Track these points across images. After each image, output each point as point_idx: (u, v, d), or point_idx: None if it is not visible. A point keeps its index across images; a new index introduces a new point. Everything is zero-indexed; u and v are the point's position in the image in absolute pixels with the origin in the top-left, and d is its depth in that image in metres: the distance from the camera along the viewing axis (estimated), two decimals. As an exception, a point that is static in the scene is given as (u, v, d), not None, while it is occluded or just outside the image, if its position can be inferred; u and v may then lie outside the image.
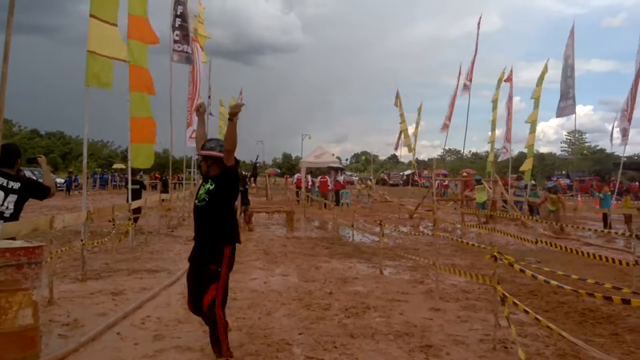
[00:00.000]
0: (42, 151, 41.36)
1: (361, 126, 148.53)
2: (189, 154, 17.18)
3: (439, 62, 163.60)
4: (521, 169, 17.81)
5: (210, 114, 19.99)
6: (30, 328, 3.43)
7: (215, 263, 3.70)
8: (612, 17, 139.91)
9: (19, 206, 4.09)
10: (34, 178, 11.12)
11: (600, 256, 5.76)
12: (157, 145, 11.63)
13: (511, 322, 3.62)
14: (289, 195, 23.62)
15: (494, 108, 20.08)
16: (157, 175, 33.02)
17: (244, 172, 14.93)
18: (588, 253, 6.06)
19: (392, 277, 7.25)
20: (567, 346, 4.12)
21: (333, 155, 26.94)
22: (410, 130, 27.38)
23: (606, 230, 11.70)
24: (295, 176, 25.58)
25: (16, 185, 4.02)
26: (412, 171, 33.82)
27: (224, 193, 3.84)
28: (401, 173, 51.91)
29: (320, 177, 22.55)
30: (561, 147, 69.59)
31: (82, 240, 6.76)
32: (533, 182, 18.98)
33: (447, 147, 64.88)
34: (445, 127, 24.76)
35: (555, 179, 36.22)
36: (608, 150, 49.31)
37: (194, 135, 13.41)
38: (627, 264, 5.75)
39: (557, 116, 17.25)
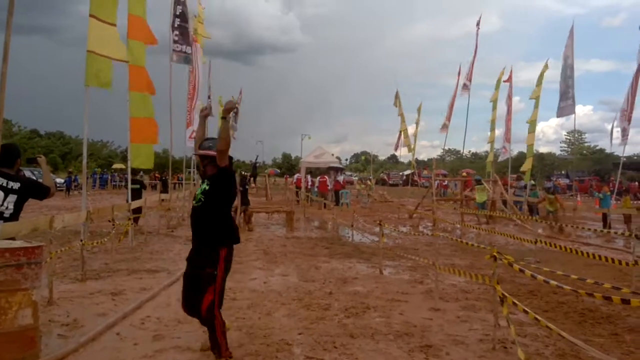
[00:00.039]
0: (41, 151, 41.34)
1: (361, 126, 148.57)
2: (188, 154, 17.19)
3: (438, 62, 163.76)
4: (522, 169, 17.82)
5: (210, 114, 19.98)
6: (29, 328, 3.43)
7: (211, 266, 3.67)
8: (611, 17, 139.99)
9: (18, 206, 4.09)
10: (34, 178, 11.13)
11: (599, 256, 5.77)
12: (158, 145, 11.66)
13: (510, 322, 3.63)
14: (289, 195, 23.61)
15: (494, 108, 20.11)
16: (156, 175, 33.01)
17: (243, 173, 14.93)
18: (587, 253, 6.06)
19: (392, 277, 7.26)
20: (566, 346, 4.13)
21: (333, 155, 26.93)
22: (410, 130, 27.43)
23: (606, 230, 11.71)
24: (295, 176, 25.58)
25: (16, 185, 4.02)
26: (412, 171, 33.83)
27: (219, 193, 3.79)
28: (401, 173, 51.89)
29: (319, 177, 22.56)
30: (561, 147, 69.75)
31: (81, 241, 6.76)
32: (533, 182, 18.99)
33: (446, 147, 65.03)
34: (445, 127, 24.76)
35: (554, 179, 36.23)
36: (607, 150, 49.40)
37: (193, 135, 13.42)
38: (627, 264, 5.75)
39: (558, 116, 17.28)
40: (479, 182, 17.00)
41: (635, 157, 53.50)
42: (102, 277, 6.77)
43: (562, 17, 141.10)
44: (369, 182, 30.55)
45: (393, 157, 76.72)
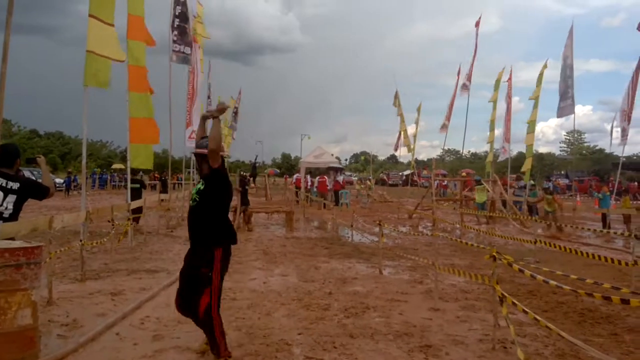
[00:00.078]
0: (41, 151, 41.32)
1: (360, 126, 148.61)
2: (188, 154, 17.17)
3: (438, 62, 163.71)
4: (522, 169, 17.83)
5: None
6: (29, 328, 3.43)
7: (206, 266, 3.65)
8: (611, 17, 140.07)
9: (18, 206, 4.09)
10: (33, 178, 11.12)
11: (599, 256, 5.77)
12: (157, 145, 11.65)
13: (510, 322, 3.63)
14: (288, 195, 23.62)
15: (493, 108, 20.11)
16: (156, 175, 33.00)
17: (242, 173, 14.93)
18: (587, 253, 6.07)
19: (392, 277, 7.26)
20: (566, 346, 4.13)
21: (332, 155, 26.94)
22: (410, 130, 27.42)
23: (605, 231, 11.71)
24: (295, 176, 25.58)
25: (15, 185, 4.02)
26: (412, 171, 33.83)
27: (213, 193, 3.76)
28: (400, 173, 51.92)
29: (318, 177, 22.57)
30: (560, 147, 69.79)
31: (81, 241, 6.76)
32: (532, 182, 19.00)
33: (446, 147, 65.10)
34: (445, 127, 24.77)
35: (554, 179, 36.25)
36: (607, 150, 49.43)
37: (193, 136, 13.43)
38: (626, 264, 5.75)
39: (558, 116, 17.30)
40: (478, 182, 17.01)
41: (635, 157, 53.60)
42: (102, 277, 6.77)
43: (561, 17, 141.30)
44: (368, 182, 30.54)
45: (392, 157, 76.78)
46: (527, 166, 17.14)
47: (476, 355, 4.05)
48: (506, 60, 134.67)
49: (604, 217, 14.19)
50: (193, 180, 17.78)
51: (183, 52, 13.94)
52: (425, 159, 67.43)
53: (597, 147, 61.17)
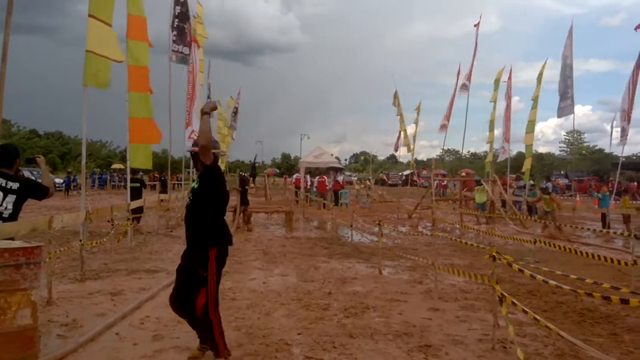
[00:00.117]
0: (40, 151, 41.32)
1: (360, 126, 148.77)
2: (187, 154, 17.14)
3: (437, 62, 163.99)
4: (523, 169, 17.84)
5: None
6: (29, 328, 3.43)
7: (201, 266, 3.61)
8: (610, 17, 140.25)
9: (17, 206, 4.08)
10: (33, 178, 11.11)
11: (598, 256, 5.77)
12: (157, 145, 11.63)
13: (509, 321, 3.62)
14: (288, 195, 23.61)
15: (493, 108, 20.11)
16: (155, 175, 32.98)
17: (242, 173, 14.93)
18: (587, 253, 6.07)
19: (391, 277, 7.26)
20: (565, 346, 4.13)
21: (332, 155, 26.94)
22: (409, 130, 27.40)
23: (605, 230, 11.72)
24: (294, 176, 25.58)
25: (15, 185, 4.02)
26: (411, 171, 33.83)
27: (206, 192, 3.72)
28: (400, 173, 51.90)
29: (318, 177, 22.56)
30: (560, 147, 69.78)
31: (80, 241, 6.76)
32: (532, 182, 19.00)
33: (446, 147, 65.04)
34: (444, 127, 24.75)
35: (554, 179, 36.25)
36: (607, 150, 49.44)
37: (192, 136, 13.44)
38: (626, 263, 5.75)
39: (558, 116, 17.31)
40: (478, 182, 17.02)
41: (634, 157, 53.60)
42: (101, 277, 6.77)
43: (561, 17, 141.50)
44: (368, 182, 30.53)
45: (392, 157, 76.84)
46: (526, 166, 17.15)
47: (476, 355, 4.05)
48: (506, 60, 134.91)
49: (603, 217, 14.20)
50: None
51: (182, 52, 13.96)
52: (425, 159, 67.47)
53: (596, 147, 61.24)
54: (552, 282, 3.54)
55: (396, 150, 30.49)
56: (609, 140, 20.82)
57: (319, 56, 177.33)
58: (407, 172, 42.42)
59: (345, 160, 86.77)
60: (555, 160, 61.45)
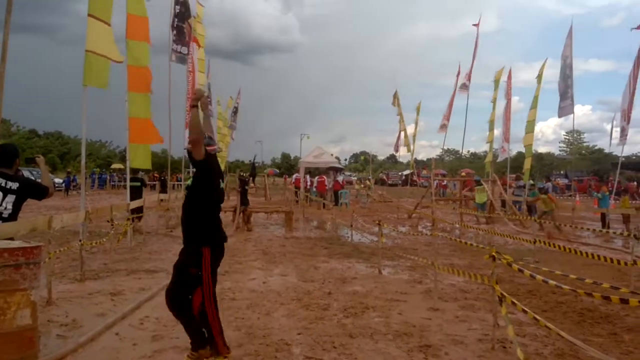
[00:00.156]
0: (40, 151, 41.28)
1: (360, 126, 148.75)
2: (187, 154, 17.11)
3: (437, 62, 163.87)
4: (524, 170, 17.84)
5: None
6: (28, 328, 3.43)
7: (194, 266, 3.57)
8: (610, 17, 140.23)
9: (17, 206, 4.08)
10: (32, 178, 11.11)
11: (598, 256, 5.77)
12: (156, 145, 11.61)
13: (509, 321, 3.62)
14: (288, 195, 23.61)
15: (493, 108, 20.11)
16: (155, 175, 32.99)
17: (242, 174, 14.94)
18: (586, 253, 6.06)
19: (391, 277, 7.26)
20: (565, 346, 4.13)
21: (332, 155, 26.94)
22: (409, 130, 27.42)
23: (604, 230, 11.72)
24: (294, 176, 25.59)
25: (14, 185, 4.02)
26: (411, 171, 33.84)
27: (199, 188, 3.67)
28: (400, 173, 51.92)
29: (317, 177, 22.57)
30: (560, 147, 69.85)
31: (80, 241, 6.75)
32: (531, 181, 19.00)
33: (445, 147, 64.97)
34: (444, 127, 24.77)
35: (553, 178, 36.29)
36: (606, 150, 49.48)
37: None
38: (626, 263, 5.75)
39: (559, 116, 17.33)
40: (478, 182, 17.02)
41: (634, 157, 53.58)
42: (101, 277, 6.77)
43: (560, 17, 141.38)
44: (367, 182, 30.53)
45: (392, 157, 76.82)
46: (525, 166, 17.16)
47: (475, 355, 4.05)
48: (505, 60, 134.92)
49: (603, 217, 14.20)
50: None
51: (180, 52, 13.98)
52: (425, 159, 67.49)
53: (596, 147, 61.31)
54: (551, 282, 3.54)
55: (396, 151, 30.51)
56: (609, 140, 20.85)
57: (318, 56, 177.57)
58: (406, 172, 42.43)
59: (345, 160, 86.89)
60: (555, 160, 61.48)
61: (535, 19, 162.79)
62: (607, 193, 15.07)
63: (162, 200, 15.28)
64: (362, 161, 77.37)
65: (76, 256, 7.01)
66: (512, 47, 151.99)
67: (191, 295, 3.61)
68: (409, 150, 27.61)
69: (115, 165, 45.18)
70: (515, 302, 3.72)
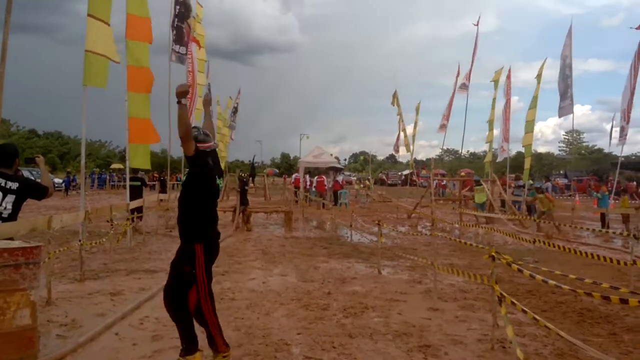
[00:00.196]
0: (40, 151, 41.27)
1: (359, 126, 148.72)
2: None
3: (436, 62, 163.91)
4: (525, 169, 17.84)
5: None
6: (28, 328, 3.43)
7: (188, 264, 3.55)
8: (610, 17, 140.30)
9: (17, 206, 4.08)
10: (32, 178, 11.10)
11: (598, 256, 5.77)
12: (157, 145, 11.60)
13: (509, 321, 3.63)
14: (287, 195, 23.61)
15: (492, 108, 20.10)
16: (155, 175, 32.97)
17: (241, 174, 14.94)
18: (586, 253, 6.06)
19: (391, 277, 7.26)
20: (565, 346, 4.13)
21: (331, 155, 26.94)
22: (409, 130, 27.42)
23: (604, 230, 11.72)
24: (294, 176, 25.59)
25: (14, 185, 4.02)
26: (411, 171, 33.85)
27: (191, 183, 3.65)
28: (399, 173, 51.97)
29: (317, 177, 22.58)
30: (559, 146, 69.91)
31: (80, 241, 6.75)
32: (531, 181, 19.00)
33: (445, 147, 64.96)
34: (443, 127, 24.77)
35: (553, 178, 36.29)
36: (606, 150, 49.51)
37: (192, 135, 13.41)
38: (625, 263, 5.75)
39: (559, 116, 17.34)
40: (478, 182, 17.02)
41: (634, 157, 53.64)
42: (101, 277, 6.77)
43: (560, 16, 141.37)
44: (367, 182, 30.53)
45: (392, 157, 76.82)
46: (525, 166, 17.16)
47: (475, 355, 4.05)
48: (505, 60, 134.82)
49: (602, 217, 14.21)
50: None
51: (179, 52, 13.99)
52: (424, 159, 67.47)
53: (595, 147, 61.37)
54: (551, 282, 3.54)
55: (396, 151, 30.49)
56: (608, 139, 20.86)
57: (318, 56, 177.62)
58: (406, 172, 42.47)
59: (345, 160, 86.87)
60: (555, 160, 61.54)
61: (535, 18, 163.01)
62: (607, 193, 15.08)
63: (161, 200, 15.27)
64: (361, 161, 77.37)
65: (76, 256, 7.01)
66: (512, 47, 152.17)
67: (187, 293, 3.60)
68: (408, 150, 27.63)
69: (114, 165, 45.17)
70: (515, 302, 3.72)
